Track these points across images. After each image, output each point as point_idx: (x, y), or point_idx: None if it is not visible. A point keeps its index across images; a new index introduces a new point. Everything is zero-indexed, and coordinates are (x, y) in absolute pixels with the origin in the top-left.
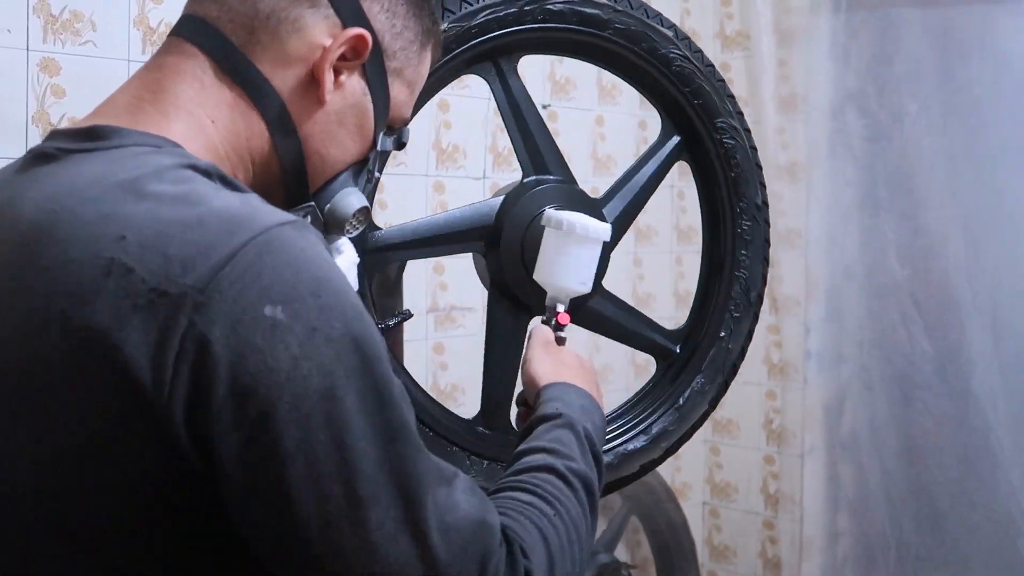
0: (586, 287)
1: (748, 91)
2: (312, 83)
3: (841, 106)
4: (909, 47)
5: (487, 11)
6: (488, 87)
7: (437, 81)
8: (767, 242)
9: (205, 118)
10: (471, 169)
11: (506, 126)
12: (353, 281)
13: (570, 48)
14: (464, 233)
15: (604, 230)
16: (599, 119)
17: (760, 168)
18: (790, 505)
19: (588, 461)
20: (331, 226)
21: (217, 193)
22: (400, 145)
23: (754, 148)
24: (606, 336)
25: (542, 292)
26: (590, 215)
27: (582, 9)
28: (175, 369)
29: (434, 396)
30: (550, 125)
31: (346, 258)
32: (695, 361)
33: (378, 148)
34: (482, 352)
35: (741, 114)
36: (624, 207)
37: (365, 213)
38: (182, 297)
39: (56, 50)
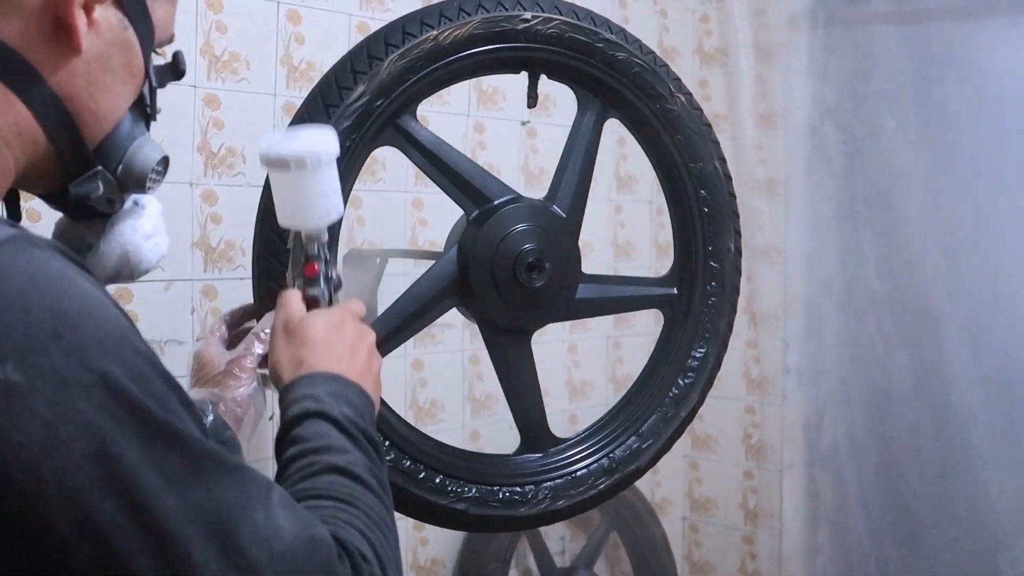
0: (332, 216)
1: (727, 107)
2: (59, 30)
3: (819, 122)
4: (886, 63)
5: (360, 101)
6: (403, 147)
7: (345, 172)
8: (715, 143)
9: None
10: None
11: (432, 179)
12: (163, 234)
13: (465, 73)
14: (437, 297)
15: (324, 150)
16: None
17: (666, 66)
18: (769, 520)
19: (362, 445)
20: (130, 185)
21: None
22: (179, 74)
23: (663, 65)
24: (607, 314)
25: (529, 314)
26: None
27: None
28: None
29: (413, 413)
30: (529, 142)
31: (153, 211)
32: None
33: (154, 83)
34: (462, 369)
35: (626, 33)
36: (572, 193)
37: (166, 163)
38: None
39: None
